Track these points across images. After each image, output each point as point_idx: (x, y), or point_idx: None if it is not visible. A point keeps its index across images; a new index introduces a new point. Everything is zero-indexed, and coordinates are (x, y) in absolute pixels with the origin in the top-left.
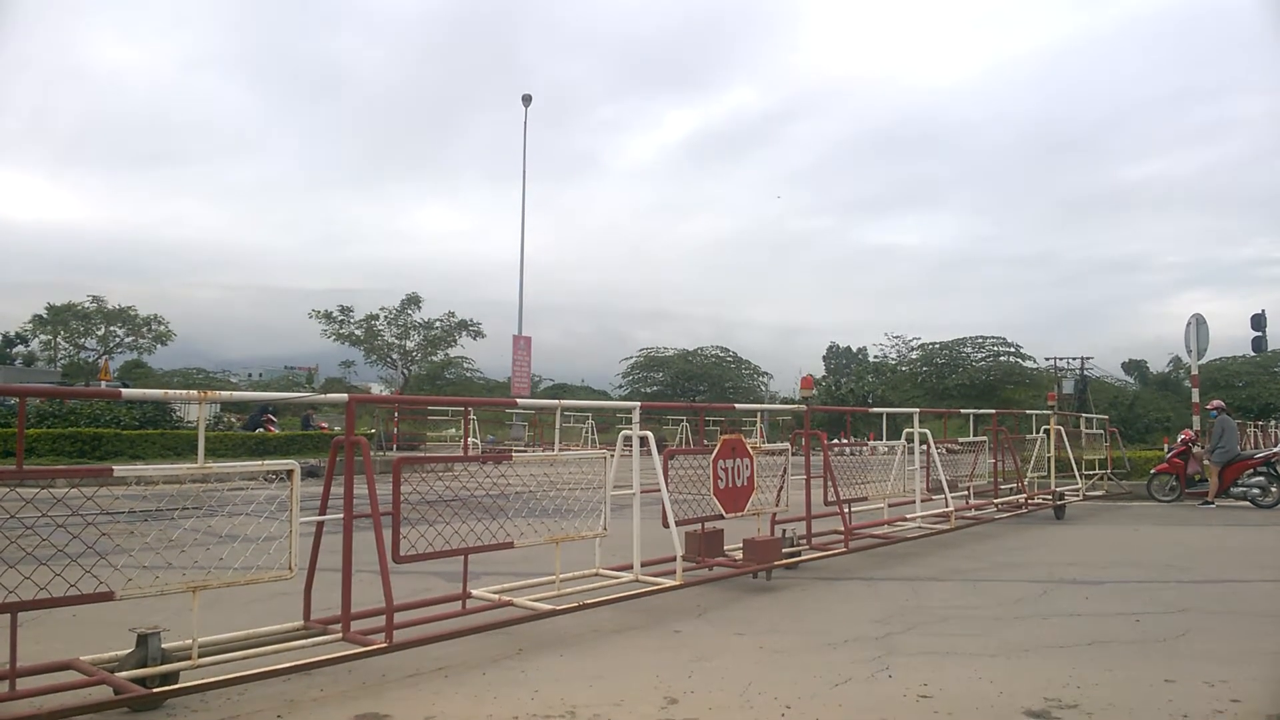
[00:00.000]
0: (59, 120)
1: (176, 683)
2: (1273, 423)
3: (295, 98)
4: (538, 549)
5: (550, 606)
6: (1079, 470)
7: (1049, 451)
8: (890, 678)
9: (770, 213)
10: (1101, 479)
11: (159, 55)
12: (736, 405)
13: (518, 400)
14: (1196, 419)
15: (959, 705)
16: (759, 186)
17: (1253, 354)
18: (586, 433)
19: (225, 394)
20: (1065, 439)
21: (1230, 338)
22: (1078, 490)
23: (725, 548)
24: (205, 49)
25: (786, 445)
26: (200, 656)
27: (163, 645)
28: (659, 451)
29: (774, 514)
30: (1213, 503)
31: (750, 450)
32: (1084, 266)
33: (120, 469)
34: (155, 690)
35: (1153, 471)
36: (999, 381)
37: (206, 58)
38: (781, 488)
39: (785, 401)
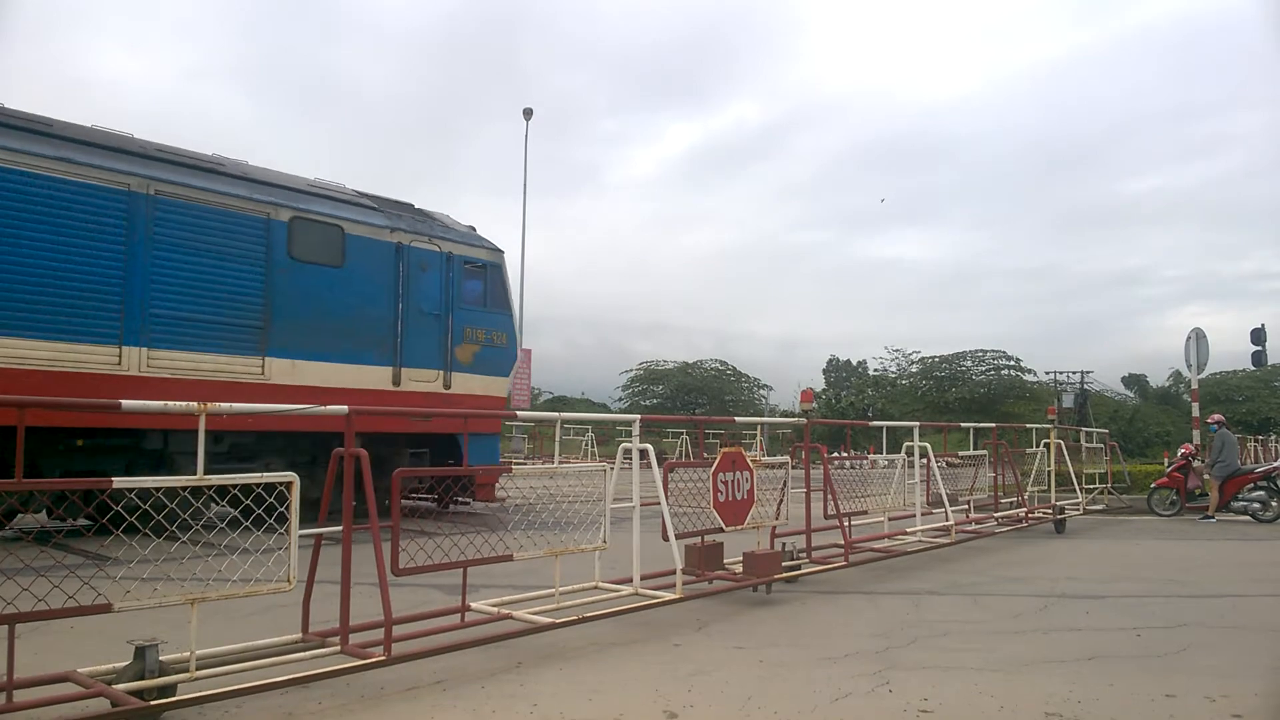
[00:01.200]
0: None
1: (174, 695)
2: (1273, 437)
3: (295, 109)
4: (537, 562)
5: (549, 619)
6: (1079, 484)
7: (1049, 465)
8: (890, 692)
9: (770, 225)
10: (1102, 493)
11: (159, 65)
12: (736, 418)
13: (517, 413)
14: (1196, 433)
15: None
16: (760, 199)
17: (1252, 368)
18: (586, 445)
19: (225, 405)
20: (1065, 453)
21: (1230, 352)
22: (1078, 504)
23: (725, 561)
24: (206, 59)
25: (786, 458)
26: (198, 669)
27: (160, 657)
28: (659, 464)
29: (774, 527)
30: (1213, 517)
31: (750, 463)
32: (1084, 280)
33: (119, 481)
34: (153, 703)
35: (1153, 486)
36: (999, 395)
37: (207, 68)
38: (781, 501)
39: (785, 414)
